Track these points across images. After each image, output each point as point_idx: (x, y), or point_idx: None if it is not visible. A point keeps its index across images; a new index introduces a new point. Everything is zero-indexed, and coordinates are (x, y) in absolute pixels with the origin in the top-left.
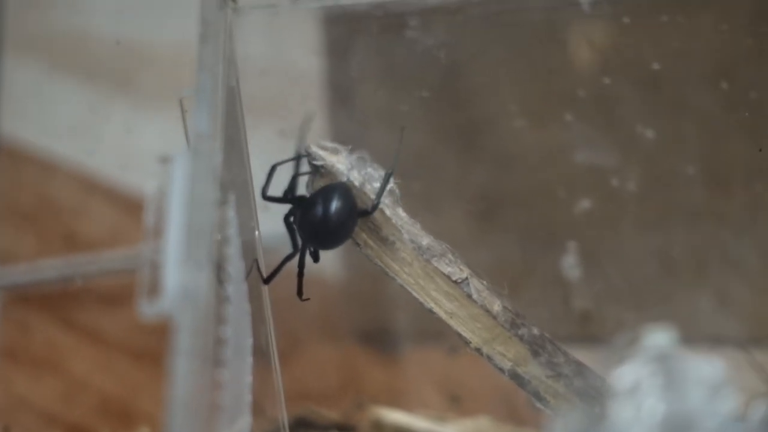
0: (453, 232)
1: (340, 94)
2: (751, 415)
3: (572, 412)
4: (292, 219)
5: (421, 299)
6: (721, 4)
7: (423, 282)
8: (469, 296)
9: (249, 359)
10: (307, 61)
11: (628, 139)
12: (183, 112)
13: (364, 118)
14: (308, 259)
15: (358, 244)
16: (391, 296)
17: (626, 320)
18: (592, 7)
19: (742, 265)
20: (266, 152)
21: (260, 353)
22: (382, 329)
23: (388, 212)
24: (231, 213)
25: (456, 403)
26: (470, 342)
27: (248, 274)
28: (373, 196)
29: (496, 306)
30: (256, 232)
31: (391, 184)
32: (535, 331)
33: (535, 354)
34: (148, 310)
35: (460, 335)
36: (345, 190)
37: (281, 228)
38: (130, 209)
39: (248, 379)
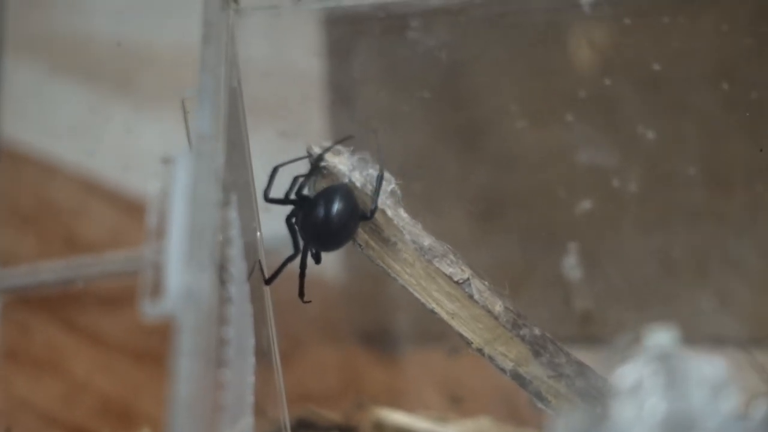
0: (454, 232)
1: (342, 95)
2: (753, 415)
3: (574, 412)
4: (293, 220)
5: (423, 300)
6: (722, 4)
7: (425, 283)
8: (471, 297)
9: (251, 360)
10: (309, 62)
11: (629, 139)
12: (185, 112)
13: (365, 119)
14: (310, 260)
15: (359, 245)
16: (392, 297)
17: (627, 320)
18: (592, 9)
19: (742, 265)
20: (268, 153)
21: (262, 354)
22: (382, 330)
23: (389, 213)
24: (233, 214)
25: (457, 404)
26: (472, 342)
27: (250, 274)
28: (376, 205)
29: (498, 306)
30: (258, 233)
31: (392, 185)
32: (537, 331)
33: (537, 354)
34: (150, 310)
35: (461, 336)
36: (346, 192)
37: (283, 229)
38: (130, 211)
39: (250, 379)
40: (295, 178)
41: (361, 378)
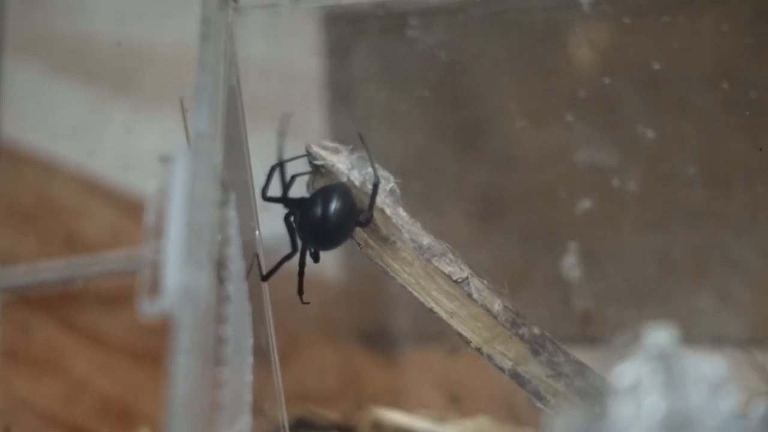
0: (453, 231)
1: (341, 94)
2: (752, 413)
3: (572, 411)
4: (292, 219)
5: (422, 299)
6: (722, 4)
7: (424, 281)
8: (470, 296)
9: (249, 358)
10: (308, 60)
11: (629, 139)
12: (184, 111)
13: (364, 118)
14: (309, 259)
15: (358, 244)
16: (391, 297)
17: (626, 320)
18: (592, 8)
19: (742, 264)
20: (267, 152)
21: (260, 353)
22: (381, 330)
23: (388, 212)
24: (231, 213)
25: (456, 404)
26: (471, 341)
27: (249, 270)
28: (371, 213)
29: (497, 305)
30: (257, 232)
31: (391, 184)
32: (536, 330)
33: (536, 353)
34: (148, 309)
35: (460, 335)
36: (344, 191)
37: (282, 228)
38: (130, 210)
39: (249, 378)
40: (292, 177)
41: (360, 377)
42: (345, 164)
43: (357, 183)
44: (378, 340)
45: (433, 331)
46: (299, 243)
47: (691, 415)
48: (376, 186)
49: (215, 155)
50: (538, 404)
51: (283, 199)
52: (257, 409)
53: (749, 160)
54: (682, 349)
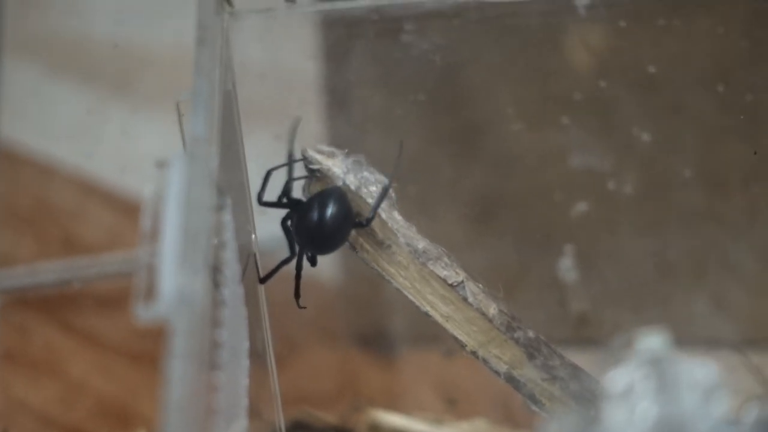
0: (449, 235)
1: (337, 98)
2: (744, 418)
3: (565, 414)
4: (289, 223)
5: (417, 302)
6: (717, 8)
7: (419, 285)
8: (465, 299)
9: (245, 362)
10: (304, 64)
11: (625, 142)
12: (180, 115)
13: (360, 122)
14: (306, 262)
15: (354, 248)
16: (388, 299)
17: (623, 323)
18: (588, 11)
19: (738, 267)
20: (263, 156)
21: (257, 356)
22: (379, 332)
23: (384, 216)
24: (227, 217)
25: (452, 406)
26: (466, 345)
27: (244, 271)
28: (369, 200)
29: (492, 309)
30: (253, 236)
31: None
32: (531, 334)
33: (531, 357)
34: (144, 314)
35: (456, 338)
36: (340, 195)
37: (278, 231)
38: (128, 212)
39: (244, 382)
40: (287, 182)
41: (357, 380)
42: (341, 168)
43: (353, 187)
44: (375, 342)
45: (430, 334)
46: (296, 247)
47: (683, 420)
48: (387, 189)
49: (211, 160)
50: (534, 408)
51: (279, 204)
52: (254, 412)
53: (745, 162)
54: (674, 353)
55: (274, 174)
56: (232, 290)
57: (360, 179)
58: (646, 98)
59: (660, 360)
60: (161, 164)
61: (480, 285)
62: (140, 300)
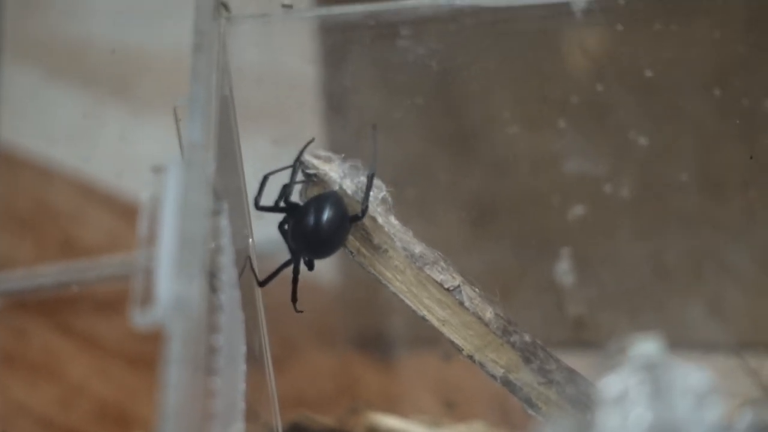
0: (446, 238)
1: (334, 103)
2: (738, 423)
3: (559, 418)
4: (286, 227)
5: (414, 307)
6: (714, 12)
7: (416, 290)
8: (462, 304)
9: (242, 367)
10: (301, 69)
11: (622, 145)
12: (177, 120)
13: (357, 127)
14: (303, 266)
15: (350, 252)
16: (386, 302)
17: (620, 326)
18: (585, 15)
19: (735, 270)
20: (260, 161)
21: (254, 360)
22: (377, 335)
23: (380, 220)
24: (224, 222)
25: (451, 409)
26: (463, 349)
27: (241, 273)
28: (366, 204)
29: (488, 313)
30: (250, 240)
31: (383, 193)
32: (527, 338)
33: (527, 361)
34: (140, 319)
35: (452, 342)
36: (336, 200)
37: (275, 235)
38: (126, 215)
39: (241, 386)
40: (284, 186)
41: (356, 383)
42: (337, 173)
43: (349, 191)
44: (373, 345)
45: (428, 337)
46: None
47: (677, 425)
48: (371, 177)
49: (208, 165)
50: (530, 411)
51: (276, 208)
52: (251, 415)
53: (742, 166)
54: (669, 358)
55: (271, 178)
56: (229, 295)
57: (356, 184)
58: (643, 102)
59: (654, 365)
60: (158, 169)
61: (476, 289)
62: (137, 305)
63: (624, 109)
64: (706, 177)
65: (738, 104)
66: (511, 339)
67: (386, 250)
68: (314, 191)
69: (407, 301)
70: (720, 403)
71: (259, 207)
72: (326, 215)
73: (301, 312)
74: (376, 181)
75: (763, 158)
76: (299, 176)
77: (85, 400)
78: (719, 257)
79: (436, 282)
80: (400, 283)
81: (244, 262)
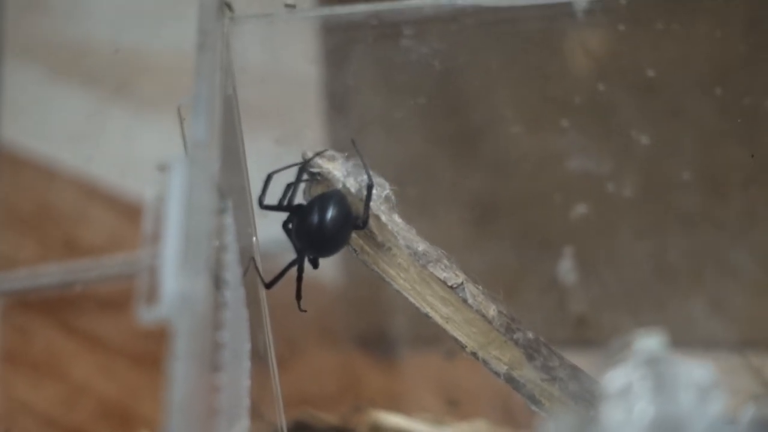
0: (449, 237)
1: (336, 102)
2: (741, 418)
3: (563, 414)
4: (290, 226)
5: (418, 304)
6: (716, 12)
7: (419, 287)
8: (465, 301)
9: (247, 363)
10: (304, 69)
11: (624, 145)
12: (181, 120)
13: (361, 125)
14: (308, 265)
15: (354, 250)
16: (390, 301)
17: (622, 324)
18: (586, 15)
19: (736, 268)
20: (264, 159)
21: (258, 358)
22: (380, 334)
23: (383, 218)
24: (228, 220)
25: (454, 407)
26: (466, 346)
27: (245, 272)
28: (368, 215)
29: (492, 311)
30: (254, 238)
31: (387, 191)
32: (530, 335)
33: (530, 358)
34: (146, 315)
35: (456, 340)
36: (340, 198)
37: (279, 233)
38: (129, 215)
39: (246, 383)
40: (288, 185)
41: (359, 381)
42: (341, 172)
43: (353, 190)
44: (376, 343)
45: (431, 335)
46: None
47: (680, 419)
48: (370, 188)
49: (212, 164)
50: (534, 408)
51: (280, 207)
52: (255, 413)
53: (743, 165)
54: (672, 354)
55: (275, 177)
56: (234, 292)
57: (360, 182)
58: (645, 101)
59: (657, 361)
60: (162, 167)
61: (479, 287)
62: (142, 302)
63: (626, 108)
64: (707, 176)
65: (739, 103)
66: (515, 336)
67: (390, 248)
68: (318, 190)
69: (411, 299)
70: (723, 397)
71: (263, 206)
72: (330, 214)
73: (305, 311)
74: (379, 179)
75: (764, 157)
76: (303, 175)
77: (88, 399)
78: (721, 256)
79: (440, 279)
80: (403, 280)
81: (249, 262)
